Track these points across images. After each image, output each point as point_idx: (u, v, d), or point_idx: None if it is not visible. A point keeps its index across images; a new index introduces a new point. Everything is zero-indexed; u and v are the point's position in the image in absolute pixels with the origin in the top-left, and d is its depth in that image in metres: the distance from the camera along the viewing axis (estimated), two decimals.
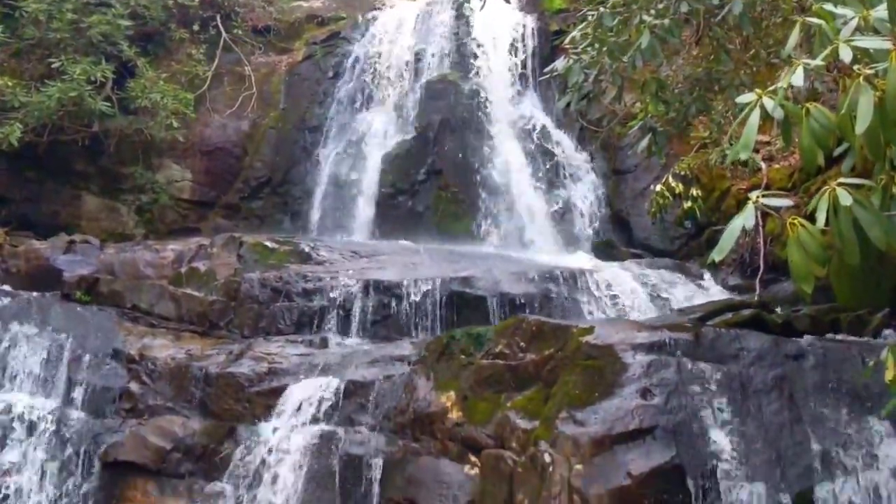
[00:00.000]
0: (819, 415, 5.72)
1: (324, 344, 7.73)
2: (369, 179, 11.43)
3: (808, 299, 5.63)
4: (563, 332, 6.33)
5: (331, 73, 12.45)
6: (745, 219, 2.94)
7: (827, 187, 2.87)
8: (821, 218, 2.85)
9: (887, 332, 6.42)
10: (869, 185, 3.18)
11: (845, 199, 2.82)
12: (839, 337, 6.41)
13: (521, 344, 6.45)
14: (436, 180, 11.28)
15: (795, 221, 2.90)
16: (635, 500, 5.29)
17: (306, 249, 9.00)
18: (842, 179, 2.95)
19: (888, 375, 3.73)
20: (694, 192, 8.82)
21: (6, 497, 6.95)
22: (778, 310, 7.17)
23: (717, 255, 3.08)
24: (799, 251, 2.84)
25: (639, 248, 10.19)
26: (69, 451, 7.14)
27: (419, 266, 8.68)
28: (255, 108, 12.18)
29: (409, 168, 11.37)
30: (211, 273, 8.73)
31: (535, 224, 10.86)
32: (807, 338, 6.27)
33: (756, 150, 9.09)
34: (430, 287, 8.01)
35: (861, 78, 2.89)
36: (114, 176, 11.71)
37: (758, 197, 3.01)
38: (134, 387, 7.54)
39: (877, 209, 3.02)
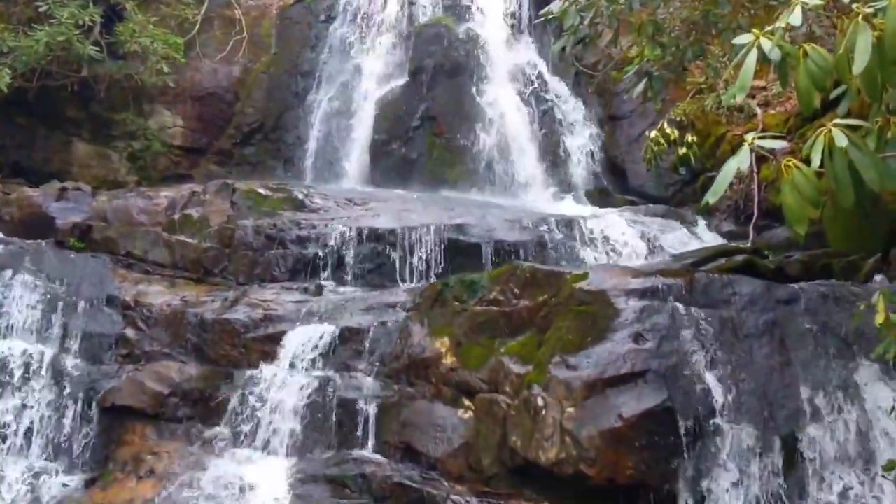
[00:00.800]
0: (809, 359, 5.78)
1: (318, 291, 7.75)
2: (363, 126, 11.32)
3: (801, 242, 5.65)
4: (556, 279, 6.36)
5: (323, 17, 12.24)
6: (740, 160, 2.92)
7: (822, 128, 2.84)
8: (815, 159, 2.82)
9: (878, 276, 6.45)
10: (865, 128, 3.15)
11: (841, 139, 2.79)
12: (831, 282, 6.44)
13: (515, 290, 6.47)
14: (429, 126, 11.16)
15: (790, 163, 2.88)
16: (627, 442, 5.37)
17: (300, 196, 8.95)
18: (837, 121, 2.92)
19: (878, 319, 3.76)
20: (689, 138, 8.71)
21: (4, 443, 7.01)
22: (770, 256, 7.20)
23: (710, 198, 3.06)
24: (793, 193, 2.83)
25: (633, 194, 10.17)
26: (67, 397, 7.19)
27: (413, 213, 8.65)
28: (246, 53, 11.99)
29: (403, 114, 11.24)
30: (204, 220, 8.70)
31: (529, 170, 10.80)
32: (799, 283, 6.31)
33: (752, 96, 9.02)
34: (424, 234, 8.01)
35: (859, 17, 2.84)
36: (105, 122, 11.58)
37: (753, 139, 2.98)
38: (130, 333, 7.58)
39: (872, 151, 3.00)
